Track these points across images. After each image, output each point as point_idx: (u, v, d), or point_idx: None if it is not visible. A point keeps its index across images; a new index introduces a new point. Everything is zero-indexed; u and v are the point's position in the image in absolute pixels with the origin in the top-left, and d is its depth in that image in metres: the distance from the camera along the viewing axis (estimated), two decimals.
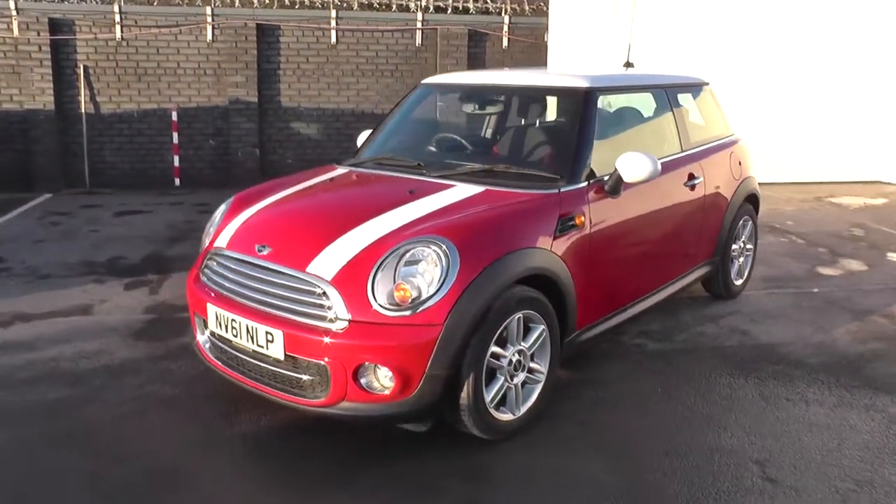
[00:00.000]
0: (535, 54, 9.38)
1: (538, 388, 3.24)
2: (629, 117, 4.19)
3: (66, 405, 3.50)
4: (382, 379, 2.81)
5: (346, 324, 2.81)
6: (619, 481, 2.88)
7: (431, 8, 9.15)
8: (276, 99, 8.68)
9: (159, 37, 8.25)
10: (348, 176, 3.89)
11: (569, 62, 9.08)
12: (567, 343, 3.42)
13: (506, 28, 9.29)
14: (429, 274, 2.83)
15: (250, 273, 3.11)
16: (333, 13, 8.64)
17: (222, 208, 3.69)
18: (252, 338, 3.02)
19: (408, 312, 2.79)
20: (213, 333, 3.28)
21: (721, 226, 4.66)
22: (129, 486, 2.87)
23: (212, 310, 3.20)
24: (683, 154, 4.31)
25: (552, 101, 4.13)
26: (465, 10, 9.61)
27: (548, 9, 9.13)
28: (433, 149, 4.04)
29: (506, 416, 3.11)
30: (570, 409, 3.44)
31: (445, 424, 3.07)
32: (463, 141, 4.06)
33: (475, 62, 9.24)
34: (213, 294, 3.24)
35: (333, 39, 8.71)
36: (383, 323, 2.79)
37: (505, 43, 9.31)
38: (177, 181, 8.33)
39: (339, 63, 8.80)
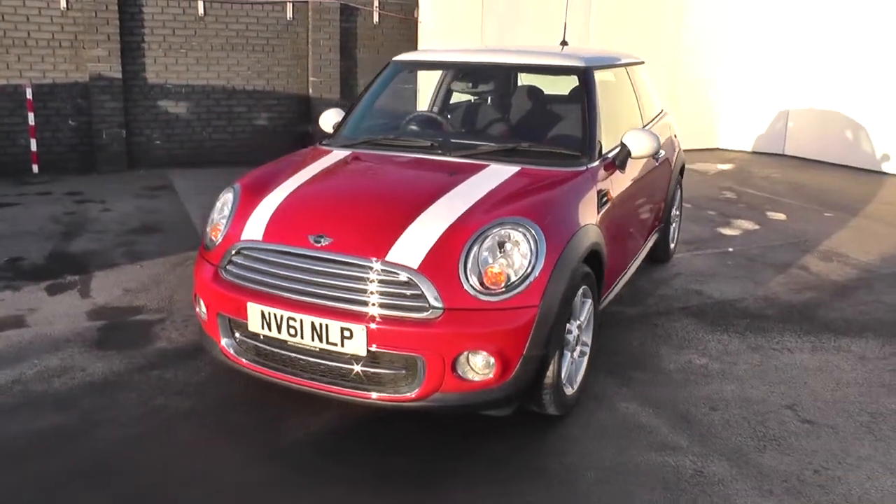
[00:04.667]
0: (405, 30, 9.30)
1: (586, 361, 3.34)
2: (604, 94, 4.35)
3: (68, 433, 3.03)
4: (481, 366, 2.75)
5: (440, 312, 2.70)
6: (690, 440, 3.06)
7: None
8: (142, 75, 7.85)
9: (4, 3, 7.10)
10: (362, 158, 3.67)
11: (441, 39, 9.14)
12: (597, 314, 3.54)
13: (376, 3, 9.10)
14: (519, 256, 2.80)
15: (308, 266, 2.87)
16: None
17: (229, 198, 3.35)
18: (320, 336, 2.80)
19: (504, 296, 2.75)
20: (253, 335, 2.99)
21: (667, 194, 5.02)
22: None
23: (255, 309, 2.91)
24: (647, 128, 4.56)
25: (546, 79, 4.18)
26: None
27: None
28: (435, 129, 3.93)
29: (569, 391, 3.17)
30: (599, 377, 3.57)
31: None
32: (464, 120, 3.99)
33: (347, 37, 8.98)
34: (254, 292, 2.95)
35: (201, 11, 8.02)
36: (480, 308, 2.73)
37: (376, 18, 9.14)
38: (35, 168, 7.29)
39: (208, 36, 8.14)
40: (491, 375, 2.75)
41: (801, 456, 2.97)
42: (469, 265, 2.76)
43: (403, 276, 2.74)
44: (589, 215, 3.24)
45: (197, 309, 3.30)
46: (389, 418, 3.14)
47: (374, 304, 2.76)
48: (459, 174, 3.28)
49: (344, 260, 2.82)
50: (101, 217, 6.24)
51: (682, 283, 5.01)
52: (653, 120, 4.79)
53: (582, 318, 3.21)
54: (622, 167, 3.71)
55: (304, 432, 3.08)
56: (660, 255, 5.27)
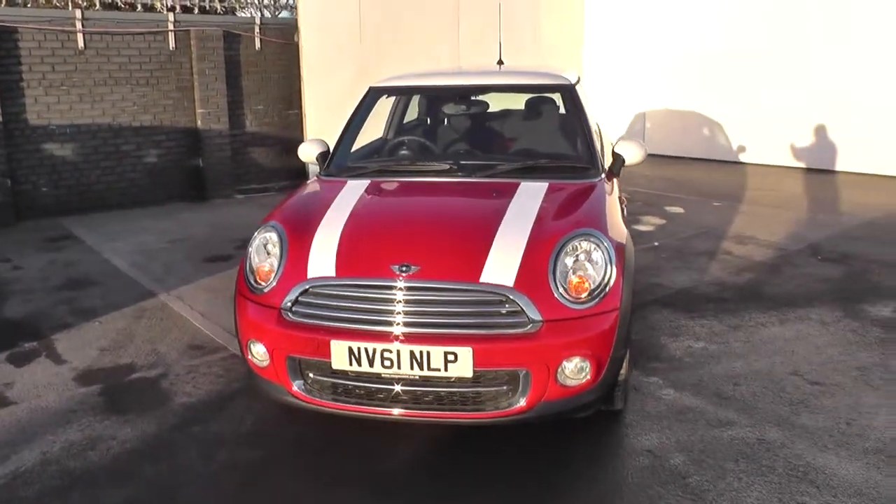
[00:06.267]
0: (287, 55, 9.16)
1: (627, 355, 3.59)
2: None
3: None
4: (579, 371, 2.90)
5: (539, 325, 2.84)
6: (737, 414, 3.40)
7: (178, 8, 8.31)
8: (23, 117, 7.11)
9: None
10: (392, 186, 3.69)
11: (324, 63, 9.12)
12: None
13: (257, 29, 8.91)
14: (596, 264, 2.99)
15: (398, 297, 2.88)
16: (78, 13, 7.37)
17: (272, 237, 3.24)
18: (420, 363, 2.83)
19: (590, 303, 2.92)
20: (334, 373, 2.96)
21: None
22: None
23: (341, 347, 2.88)
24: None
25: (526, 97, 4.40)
26: (213, 11, 8.96)
27: (296, 8, 9.03)
28: (441, 151, 4.02)
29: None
30: None
31: None
32: (467, 141, 4.11)
33: (231, 66, 8.70)
34: (336, 330, 2.91)
35: (81, 44, 7.44)
36: (574, 317, 2.89)
37: (258, 44, 8.94)
38: None
39: (90, 71, 7.56)
40: (588, 379, 2.92)
41: (828, 413, 3.41)
42: (557, 277, 2.92)
43: (501, 295, 2.85)
44: (620, 221, 3.51)
45: (249, 356, 3.18)
46: (464, 437, 3.22)
47: (474, 326, 2.84)
48: (501, 193, 3.42)
49: (439, 286, 2.87)
50: (16, 276, 5.66)
51: (637, 278, 5.42)
52: (598, 128, 5.18)
53: None
54: (618, 175, 4.03)
55: (398, 461, 3.08)
56: None
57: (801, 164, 9.69)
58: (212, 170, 8.67)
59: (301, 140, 9.40)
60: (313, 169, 9.06)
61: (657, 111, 11.01)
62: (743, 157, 10.11)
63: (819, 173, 9.49)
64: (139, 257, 6.16)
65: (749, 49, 9.91)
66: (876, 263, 5.59)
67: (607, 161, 4.04)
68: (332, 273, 3.01)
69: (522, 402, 2.86)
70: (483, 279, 2.87)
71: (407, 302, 2.88)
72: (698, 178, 9.31)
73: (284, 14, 18.02)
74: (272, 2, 16.76)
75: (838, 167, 9.41)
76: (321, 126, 9.38)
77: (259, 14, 8.66)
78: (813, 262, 5.69)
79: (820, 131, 9.52)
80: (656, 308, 4.79)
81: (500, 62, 5.41)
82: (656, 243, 6.36)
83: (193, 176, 8.63)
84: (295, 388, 3.04)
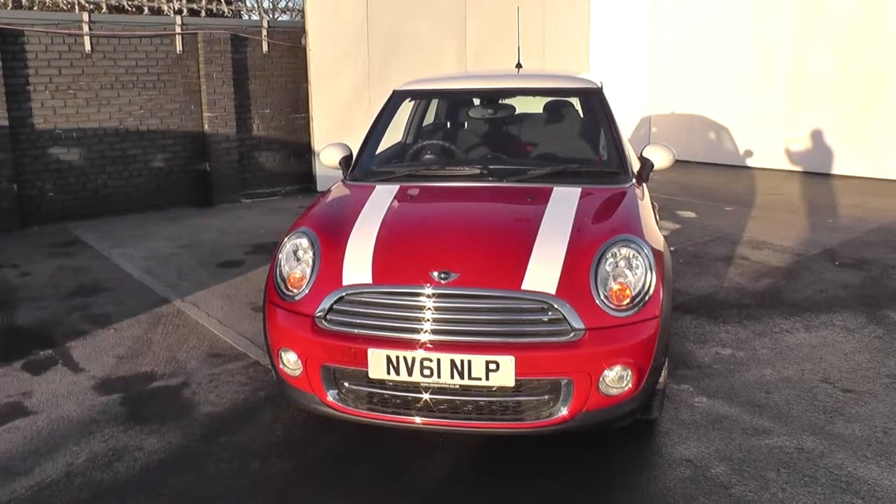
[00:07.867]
0: (294, 59, 9.10)
1: None
2: None
3: None
4: (621, 380, 2.85)
5: (582, 333, 2.79)
6: (772, 422, 3.36)
7: (185, 11, 8.23)
8: (29, 121, 7.03)
9: None
10: (424, 191, 3.62)
11: (330, 67, 9.07)
12: None
13: (265, 32, 8.85)
14: (636, 271, 2.95)
15: (438, 304, 2.83)
16: (86, 16, 7.30)
17: (303, 244, 3.19)
18: (461, 372, 2.78)
19: (632, 311, 2.88)
20: (371, 382, 2.90)
21: None
22: None
23: (379, 355, 2.83)
24: None
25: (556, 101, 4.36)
26: (220, 14, 8.87)
27: (304, 12, 8.99)
28: (469, 155, 3.97)
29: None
30: None
31: None
32: (494, 145, 4.06)
33: (238, 69, 8.64)
34: (374, 338, 2.86)
35: (88, 47, 7.36)
36: (617, 325, 2.84)
37: (265, 48, 8.87)
38: None
39: (97, 75, 7.48)
40: (629, 388, 2.87)
41: (864, 421, 3.37)
42: (598, 284, 2.88)
43: (543, 303, 2.80)
44: (655, 227, 3.46)
45: (280, 365, 3.12)
46: (500, 447, 3.17)
47: (516, 334, 2.79)
48: (536, 198, 3.38)
49: (480, 294, 2.82)
50: (25, 282, 5.57)
51: None
52: None
53: None
54: (647, 179, 3.99)
55: (434, 471, 3.03)
56: None
57: (799, 168, 9.70)
58: (218, 174, 8.59)
59: (308, 144, 9.40)
60: (321, 173, 9.13)
61: (662, 115, 11.01)
62: (750, 162, 10.10)
63: (819, 177, 9.49)
64: (150, 263, 6.09)
65: (752, 51, 9.91)
66: (894, 269, 5.57)
67: (635, 165, 4.00)
68: (369, 280, 2.96)
69: (564, 412, 2.81)
70: (525, 286, 2.82)
71: (447, 310, 2.83)
72: (704, 182, 9.30)
73: (283, 18, 17.96)
74: (271, 6, 16.69)
75: (835, 171, 9.44)
76: (328, 130, 9.33)
77: (259, 17, 8.65)
78: (830, 267, 5.66)
79: (817, 136, 9.53)
80: (679, 314, 4.74)
81: (519, 65, 5.37)
82: (672, 248, 6.32)
83: (200, 180, 8.55)
84: (329, 398, 2.98)
